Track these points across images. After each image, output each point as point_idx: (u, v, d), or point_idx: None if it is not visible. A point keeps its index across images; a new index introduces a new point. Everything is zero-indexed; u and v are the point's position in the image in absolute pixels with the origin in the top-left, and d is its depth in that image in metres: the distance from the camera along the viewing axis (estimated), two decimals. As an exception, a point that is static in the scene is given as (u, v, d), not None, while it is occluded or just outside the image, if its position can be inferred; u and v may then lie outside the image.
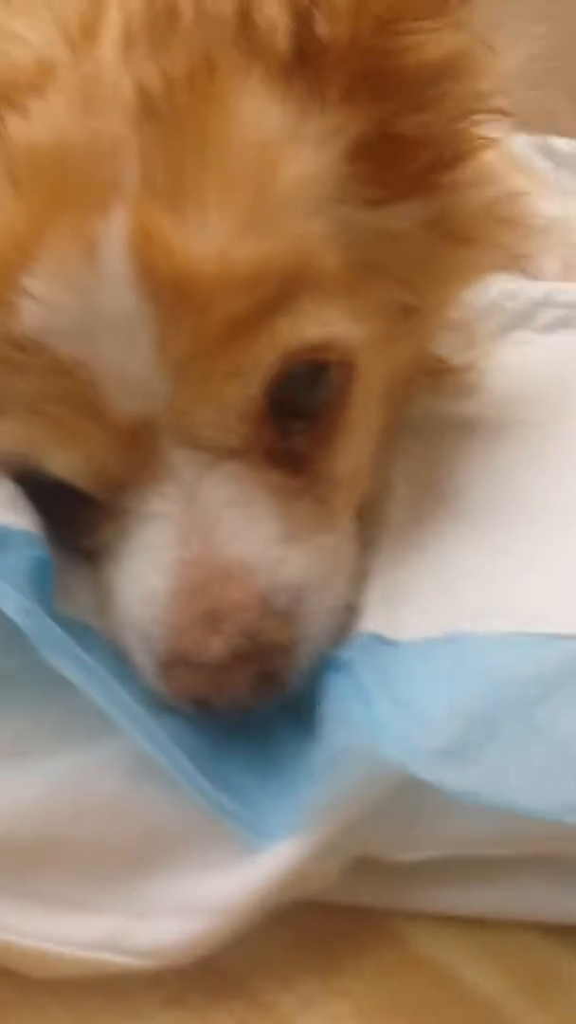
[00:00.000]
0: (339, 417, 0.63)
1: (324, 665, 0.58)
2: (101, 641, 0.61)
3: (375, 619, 0.59)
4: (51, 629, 0.55)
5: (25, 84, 0.59)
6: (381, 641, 0.58)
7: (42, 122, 0.58)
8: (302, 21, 0.60)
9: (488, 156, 0.69)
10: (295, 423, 0.61)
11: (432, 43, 0.60)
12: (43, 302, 0.56)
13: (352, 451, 0.65)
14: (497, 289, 0.85)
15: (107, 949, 0.52)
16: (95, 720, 0.55)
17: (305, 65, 0.60)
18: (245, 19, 0.60)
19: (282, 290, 0.57)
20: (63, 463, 0.59)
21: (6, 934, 0.52)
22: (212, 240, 0.55)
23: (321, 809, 0.52)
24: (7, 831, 0.53)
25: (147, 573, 0.59)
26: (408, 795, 0.52)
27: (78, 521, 0.63)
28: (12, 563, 0.57)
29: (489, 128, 0.67)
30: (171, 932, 0.52)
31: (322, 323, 0.59)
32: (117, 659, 0.60)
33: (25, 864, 0.53)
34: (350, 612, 0.61)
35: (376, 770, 0.51)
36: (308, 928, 0.54)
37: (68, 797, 0.54)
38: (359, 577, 0.63)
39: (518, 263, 0.75)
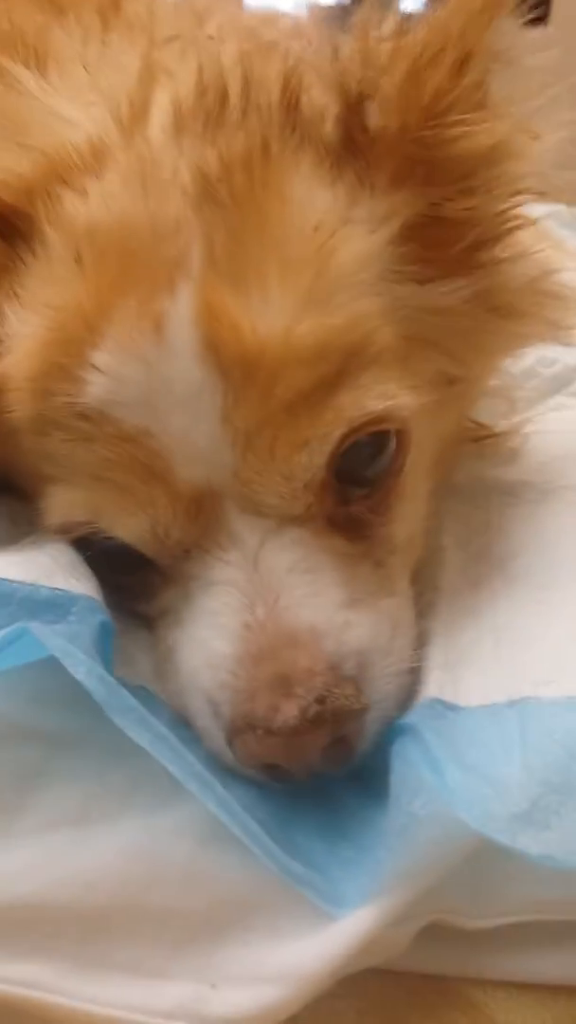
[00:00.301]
0: (394, 484, 0.65)
1: (389, 730, 0.59)
2: (160, 705, 0.62)
3: (437, 684, 0.60)
4: (120, 694, 0.55)
5: (80, 165, 0.62)
6: (444, 706, 0.58)
7: (102, 202, 0.60)
8: (352, 110, 0.63)
9: (524, 233, 0.72)
10: (355, 490, 0.63)
11: (479, 133, 0.63)
12: (110, 375, 0.58)
13: (407, 516, 0.66)
14: (534, 357, 0.87)
15: (180, 1018, 0.51)
16: (161, 785, 0.55)
17: (354, 152, 0.63)
18: (291, 106, 0.63)
19: (343, 364, 0.59)
20: (128, 529, 0.60)
21: (78, 1002, 0.51)
22: (276, 318, 0.57)
23: (395, 876, 0.52)
24: (77, 898, 0.53)
25: (212, 638, 0.59)
26: (482, 861, 0.53)
27: (138, 587, 0.65)
28: (76, 628, 0.58)
29: (525, 207, 0.70)
30: (244, 1001, 0.51)
31: (382, 396, 0.61)
32: (178, 724, 0.61)
33: (96, 931, 0.53)
34: (413, 676, 0.61)
35: (450, 836, 0.51)
36: (381, 996, 0.54)
37: (139, 864, 0.54)
38: (419, 641, 0.63)
39: (558, 333, 0.77)
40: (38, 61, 0.74)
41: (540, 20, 0.71)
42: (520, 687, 0.58)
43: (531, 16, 0.66)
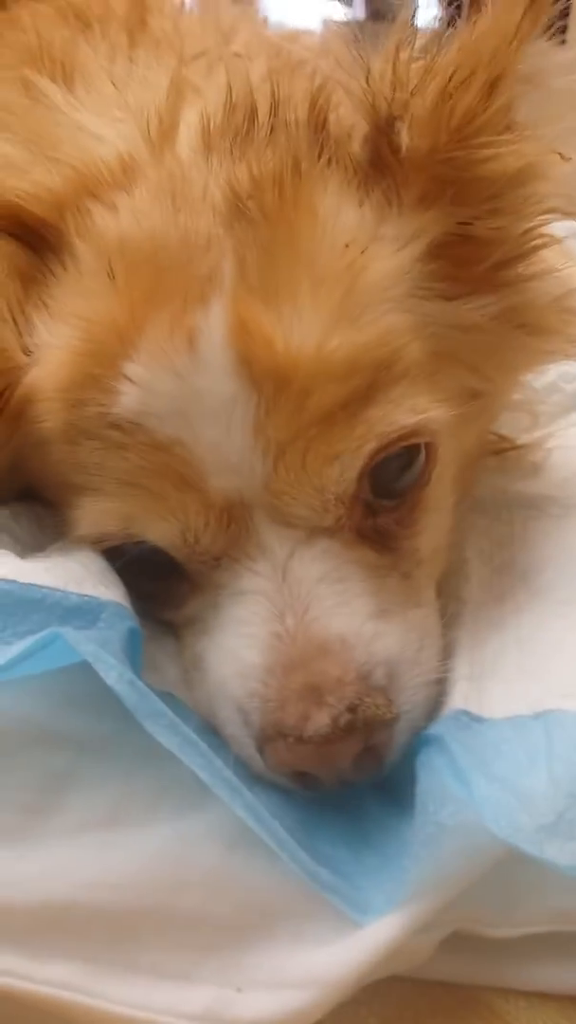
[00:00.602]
0: (421, 496, 0.66)
1: (415, 741, 0.59)
2: (187, 711, 0.62)
3: (463, 695, 0.60)
4: (150, 699, 0.55)
5: (110, 180, 0.63)
6: (470, 717, 0.59)
7: (132, 218, 0.62)
8: (382, 130, 0.64)
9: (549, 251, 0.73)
10: (383, 503, 0.63)
11: (507, 155, 0.64)
12: (143, 386, 0.58)
13: (433, 528, 0.67)
14: (556, 372, 0.88)
15: (206, 1021, 0.52)
16: (189, 790, 0.56)
17: (383, 171, 0.64)
18: (319, 124, 0.64)
19: (373, 379, 0.60)
20: (159, 532, 0.61)
21: (105, 1003, 0.52)
22: (308, 333, 0.58)
23: (421, 885, 0.52)
24: (105, 901, 0.53)
25: (242, 647, 0.60)
26: (508, 871, 0.53)
27: (166, 594, 0.65)
28: (106, 634, 0.58)
29: (550, 226, 0.71)
30: (269, 1005, 0.52)
31: (412, 410, 0.61)
32: (203, 730, 0.61)
33: (123, 934, 0.53)
34: (440, 687, 0.62)
35: (477, 846, 0.52)
36: (403, 1004, 0.55)
37: (167, 868, 0.54)
38: (445, 652, 0.64)
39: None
40: (65, 75, 0.75)
41: (560, 33, 0.72)
42: (545, 699, 0.58)
43: (552, 32, 0.67)
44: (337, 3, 4.31)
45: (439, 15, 0.74)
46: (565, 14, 0.70)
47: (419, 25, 0.66)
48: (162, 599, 0.65)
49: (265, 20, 1.12)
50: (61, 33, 0.90)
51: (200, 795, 0.55)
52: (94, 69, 0.76)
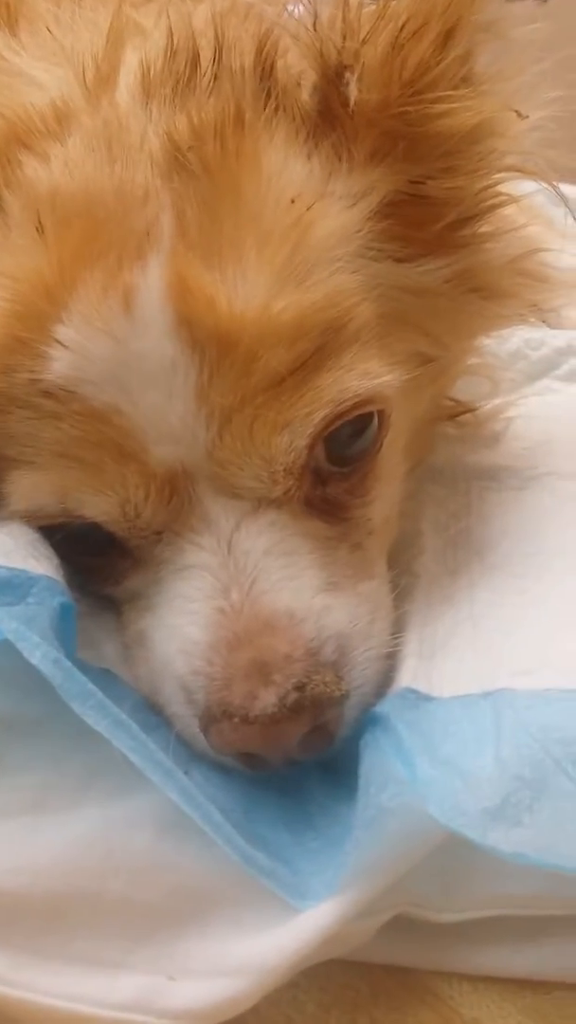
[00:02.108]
0: (372, 465, 0.63)
1: (362, 719, 0.57)
2: (125, 689, 0.60)
3: (411, 673, 0.58)
4: (78, 679, 0.53)
5: (42, 129, 0.59)
6: (418, 696, 0.57)
7: (65, 168, 0.58)
8: (331, 80, 0.60)
9: (508, 209, 0.70)
10: (333, 470, 0.61)
11: (462, 111, 0.61)
12: (76, 351, 0.55)
13: (385, 497, 0.65)
14: (521, 338, 0.85)
15: (137, 1010, 0.50)
16: (121, 773, 0.53)
17: (332, 123, 0.61)
18: (266, 72, 0.60)
19: (322, 343, 0.57)
20: (97, 508, 0.58)
21: (31, 993, 0.50)
22: (253, 293, 0.55)
23: (361, 869, 0.50)
24: (30, 886, 0.51)
25: (186, 624, 0.58)
26: (450, 854, 0.51)
27: (105, 569, 0.63)
28: (34, 609, 0.56)
29: (508, 185, 0.68)
30: (202, 994, 0.50)
31: (365, 375, 0.59)
32: (142, 709, 0.59)
33: (51, 921, 0.51)
34: (391, 661, 0.60)
35: (419, 829, 0.50)
36: (344, 988, 0.53)
37: (95, 853, 0.52)
38: (397, 626, 0.62)
39: (540, 315, 0.76)
40: (9, 19, 0.71)
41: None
42: (497, 678, 0.57)
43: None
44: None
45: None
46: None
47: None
48: (101, 574, 0.63)
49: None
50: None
51: (132, 778, 0.53)
52: (41, 11, 0.72)
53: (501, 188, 0.67)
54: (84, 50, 0.62)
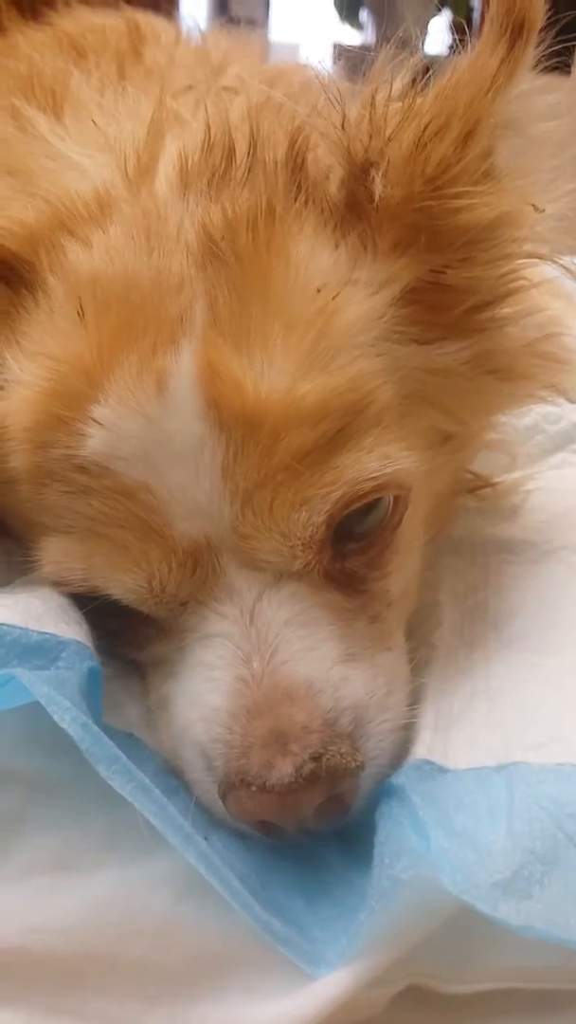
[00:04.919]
0: (390, 539, 0.65)
1: (380, 789, 0.58)
2: (147, 753, 0.61)
3: (427, 745, 0.59)
4: (105, 744, 0.54)
5: (85, 215, 0.63)
6: (433, 768, 0.58)
7: (106, 255, 0.61)
8: (357, 176, 0.63)
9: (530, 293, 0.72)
10: (351, 545, 0.63)
11: (483, 205, 0.63)
12: (110, 429, 0.58)
13: (403, 570, 0.66)
14: (539, 413, 0.87)
15: (150, 1073, 0.51)
16: (141, 835, 0.54)
17: (358, 215, 0.64)
18: (297, 166, 0.63)
19: (344, 424, 0.59)
20: (123, 586, 0.60)
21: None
22: (278, 378, 0.58)
23: (374, 938, 0.51)
24: (50, 945, 0.52)
25: (207, 691, 0.59)
26: (463, 926, 0.52)
27: (131, 636, 0.64)
28: (64, 673, 0.57)
29: (527, 270, 0.70)
30: (216, 1059, 0.51)
31: (384, 458, 0.61)
32: (164, 773, 0.61)
33: (69, 981, 0.52)
34: (407, 733, 0.61)
35: (432, 901, 0.51)
36: (355, 1059, 0.53)
37: (115, 915, 0.53)
38: (412, 697, 0.63)
39: (558, 393, 0.77)
40: (55, 105, 0.75)
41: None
42: (509, 751, 0.58)
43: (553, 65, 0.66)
44: (349, 28, 4.36)
45: (451, 42, 0.73)
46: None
47: (429, 52, 0.65)
48: (128, 639, 0.65)
49: (263, 51, 1.12)
50: (55, 62, 0.90)
51: (152, 841, 0.54)
52: (84, 99, 0.76)
53: (520, 274, 0.69)
54: (126, 139, 0.65)
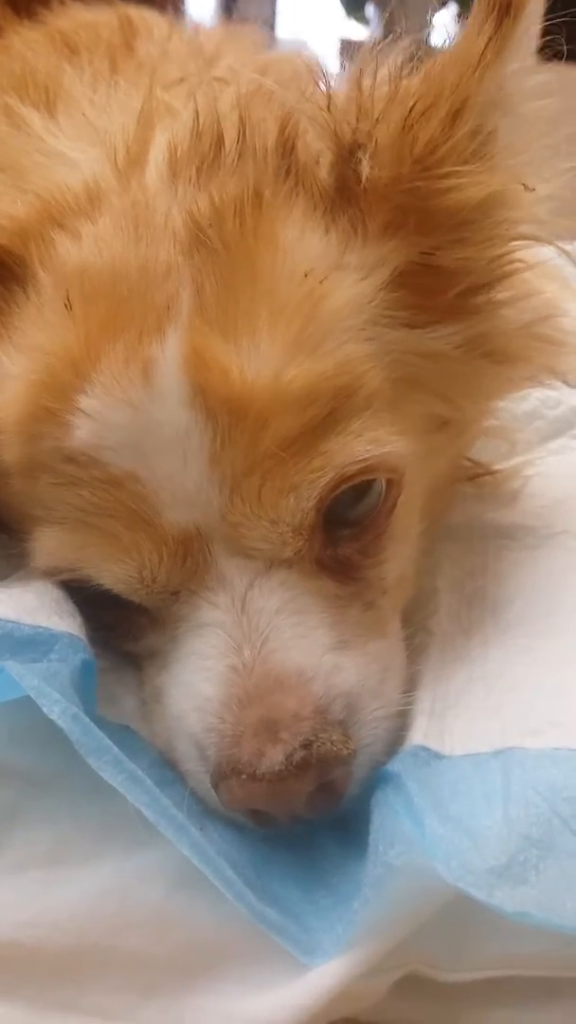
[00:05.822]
0: (384, 525, 0.64)
1: (375, 776, 0.58)
2: (143, 745, 0.61)
3: (423, 731, 0.59)
4: (95, 735, 0.54)
5: (75, 208, 0.63)
6: (429, 754, 0.57)
7: (94, 247, 0.61)
8: (345, 159, 0.63)
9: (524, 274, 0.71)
10: (343, 531, 0.62)
11: (472, 185, 0.63)
12: (97, 419, 0.58)
13: (398, 557, 0.66)
14: (538, 398, 0.87)
15: (146, 1064, 0.51)
16: (135, 827, 0.54)
17: (347, 199, 0.63)
18: (287, 151, 0.63)
19: (332, 409, 0.59)
20: (114, 576, 0.60)
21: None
22: (265, 364, 0.57)
23: (369, 927, 0.51)
24: (44, 938, 0.52)
25: (199, 681, 0.59)
26: (459, 913, 0.51)
27: (124, 626, 0.64)
28: (56, 666, 0.57)
29: (522, 252, 0.69)
30: (211, 1050, 0.51)
31: (373, 442, 0.60)
32: (159, 764, 0.60)
33: (63, 973, 0.52)
34: (402, 720, 0.60)
35: (428, 888, 0.50)
36: (352, 1049, 0.53)
37: (109, 907, 0.53)
38: (410, 684, 0.63)
39: (555, 376, 0.77)
40: (48, 101, 0.75)
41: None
42: (506, 736, 0.57)
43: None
44: (355, 23, 4.35)
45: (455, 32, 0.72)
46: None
47: (432, 43, 0.65)
48: (122, 631, 0.64)
49: (257, 43, 1.12)
50: (48, 60, 0.90)
51: (146, 833, 0.54)
52: (77, 95, 0.76)
53: (515, 256, 0.68)
54: (116, 132, 0.65)
